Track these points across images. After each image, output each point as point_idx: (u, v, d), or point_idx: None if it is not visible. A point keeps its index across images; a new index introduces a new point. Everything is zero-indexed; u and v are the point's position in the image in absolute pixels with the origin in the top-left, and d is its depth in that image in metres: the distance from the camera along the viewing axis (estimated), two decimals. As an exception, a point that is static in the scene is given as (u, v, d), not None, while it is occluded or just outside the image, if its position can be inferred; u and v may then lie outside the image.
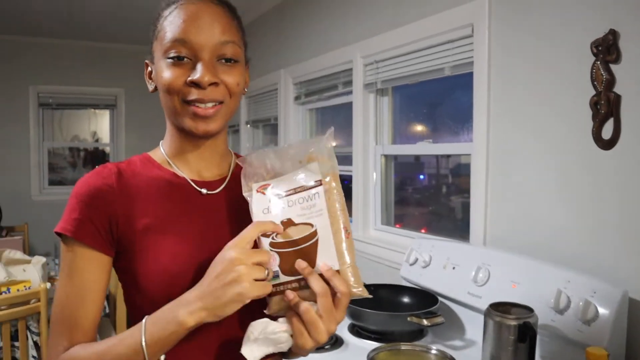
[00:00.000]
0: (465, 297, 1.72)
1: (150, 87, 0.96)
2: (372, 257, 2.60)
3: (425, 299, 1.84)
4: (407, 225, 2.69)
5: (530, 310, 1.39)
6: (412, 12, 2.29)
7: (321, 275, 0.77)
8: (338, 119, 3.27)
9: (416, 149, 2.52)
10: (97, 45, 5.31)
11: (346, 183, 3.49)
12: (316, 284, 0.76)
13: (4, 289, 2.37)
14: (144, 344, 0.77)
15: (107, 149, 5.66)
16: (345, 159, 2.94)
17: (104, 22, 4.54)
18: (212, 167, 0.98)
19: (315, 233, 0.79)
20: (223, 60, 0.89)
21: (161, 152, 0.98)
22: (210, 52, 0.87)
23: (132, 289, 0.89)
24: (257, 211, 0.82)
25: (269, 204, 0.82)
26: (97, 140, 5.68)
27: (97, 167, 0.94)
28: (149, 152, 1.00)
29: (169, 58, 0.87)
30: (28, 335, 2.44)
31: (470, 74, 2.00)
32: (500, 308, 1.42)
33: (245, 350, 0.79)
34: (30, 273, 2.49)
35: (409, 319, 1.65)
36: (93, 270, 0.87)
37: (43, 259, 2.58)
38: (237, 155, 1.05)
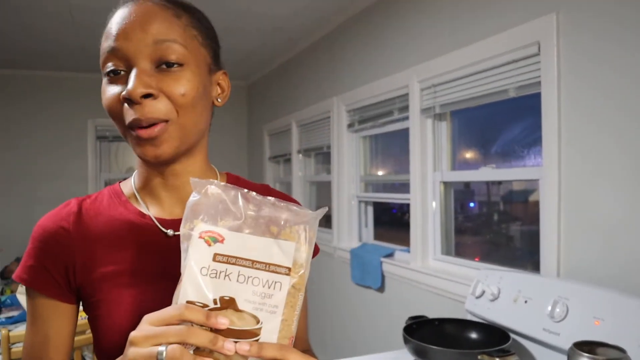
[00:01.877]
0: (540, 334, 1.58)
1: None
2: (432, 288, 2.48)
3: (495, 335, 1.71)
4: (463, 255, 2.56)
5: (622, 350, 1.24)
6: (472, 32, 2.21)
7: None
8: (393, 146, 3.19)
9: (478, 174, 2.41)
10: (152, 79, 5.45)
11: (394, 212, 3.40)
12: None
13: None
14: None
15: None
16: (402, 187, 2.85)
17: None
18: (183, 197, 0.82)
19: (257, 333, 0.60)
20: (164, 66, 0.72)
21: (131, 185, 0.86)
22: (145, 57, 0.71)
23: (94, 339, 0.82)
24: (193, 265, 0.61)
25: (212, 264, 0.61)
26: (151, 172, 5.78)
27: (60, 205, 0.84)
28: (123, 181, 0.89)
29: (105, 74, 0.73)
30: (83, 367, 2.42)
31: (533, 96, 1.89)
32: (585, 347, 1.28)
33: None
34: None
35: (479, 357, 1.52)
36: (54, 319, 0.80)
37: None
38: (231, 177, 0.93)
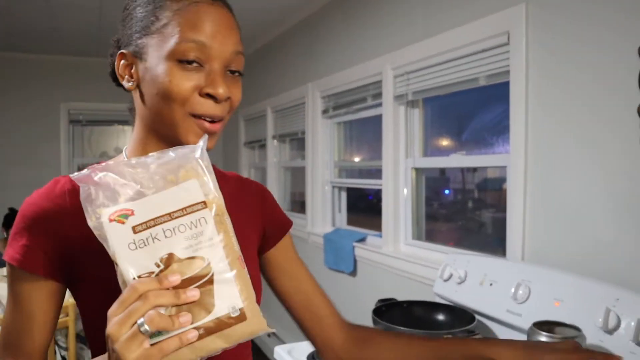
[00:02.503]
0: (504, 315, 1.64)
1: (128, 85, 0.83)
2: (403, 272, 2.53)
3: (462, 317, 1.76)
4: (435, 241, 2.62)
5: (577, 329, 1.31)
6: (445, 21, 2.24)
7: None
8: (367, 132, 3.23)
9: (448, 161, 2.46)
10: (126, 62, 5.38)
11: (370, 198, 3.44)
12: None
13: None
14: None
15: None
16: (378, 173, 2.89)
17: (133, 38, 4.59)
18: None
19: (210, 268, 0.63)
20: (229, 72, 0.80)
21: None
22: (223, 62, 0.78)
23: (89, 315, 0.83)
24: (120, 247, 0.62)
25: (135, 237, 0.62)
26: (125, 156, 5.74)
27: (49, 182, 0.84)
28: (110, 160, 0.91)
29: (179, 61, 0.75)
30: (56, 350, 2.43)
31: (505, 84, 1.94)
32: (544, 327, 1.34)
33: None
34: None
35: (445, 337, 1.57)
36: (42, 300, 0.80)
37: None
38: (216, 170, 0.95)
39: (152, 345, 0.58)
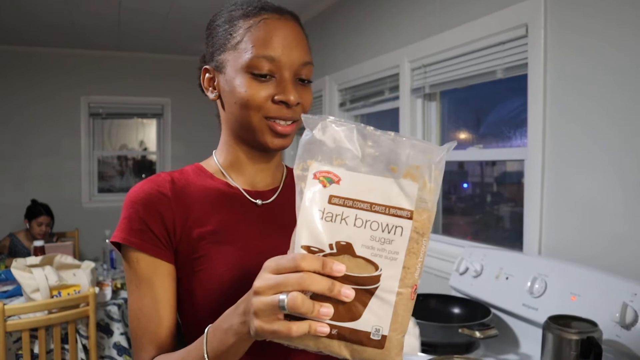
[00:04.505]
0: (520, 309, 1.64)
1: (212, 96, 0.93)
2: (419, 266, 2.53)
3: (477, 310, 1.76)
4: (453, 234, 2.61)
5: (593, 324, 1.30)
6: (462, 14, 2.23)
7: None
8: (384, 125, 3.22)
9: (466, 154, 2.45)
10: (145, 56, 5.43)
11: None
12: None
13: (55, 292, 2.41)
14: (206, 356, 0.71)
15: (154, 158, 5.76)
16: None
17: (151, 34, 4.63)
18: (266, 177, 0.97)
19: (377, 280, 0.57)
20: (299, 80, 0.87)
21: (215, 163, 0.97)
22: (293, 72, 0.86)
23: (187, 299, 0.87)
24: (307, 207, 0.58)
25: (328, 207, 0.58)
26: (144, 149, 5.79)
27: (150, 176, 0.91)
28: (201, 162, 0.99)
29: (253, 74, 0.84)
30: (77, 339, 2.47)
31: (522, 77, 1.92)
32: (560, 321, 1.34)
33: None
34: (80, 278, 2.52)
35: (460, 330, 1.58)
36: (161, 279, 0.85)
37: (92, 264, 2.62)
38: (289, 169, 1.04)
39: (284, 318, 0.58)
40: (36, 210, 4.01)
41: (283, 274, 0.59)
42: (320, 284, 0.57)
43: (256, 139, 0.87)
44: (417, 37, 2.54)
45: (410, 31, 2.60)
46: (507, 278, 1.74)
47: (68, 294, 2.44)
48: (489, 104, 2.43)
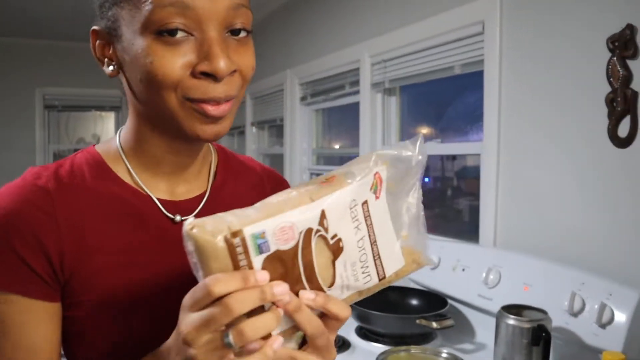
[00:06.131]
0: (475, 300, 1.68)
1: (108, 70, 0.66)
2: (379, 259, 2.56)
3: (435, 301, 1.80)
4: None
5: (544, 312, 1.35)
6: (421, 9, 2.26)
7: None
8: (345, 119, 3.24)
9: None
10: (103, 47, 5.31)
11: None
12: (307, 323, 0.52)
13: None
14: None
15: (113, 151, 5.65)
16: (351, 160, 2.90)
17: (110, 23, 4.53)
18: (189, 177, 0.72)
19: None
20: (229, 34, 0.61)
21: (117, 152, 0.70)
22: (220, 23, 0.59)
23: (79, 340, 0.66)
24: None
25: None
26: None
27: (26, 175, 0.66)
28: (98, 146, 0.73)
29: (159, 33, 0.57)
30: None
31: (480, 73, 1.96)
32: (512, 310, 1.38)
33: None
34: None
35: (418, 321, 1.61)
36: (42, 325, 0.62)
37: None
38: (221, 150, 0.81)
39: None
40: None
41: (204, 309, 0.48)
42: (250, 299, 0.47)
43: (180, 129, 0.62)
44: (377, 32, 2.56)
45: (371, 26, 2.62)
46: (463, 269, 1.78)
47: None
48: (448, 99, 2.47)
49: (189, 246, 0.49)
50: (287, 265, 0.51)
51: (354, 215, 0.57)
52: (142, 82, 0.60)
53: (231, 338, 0.47)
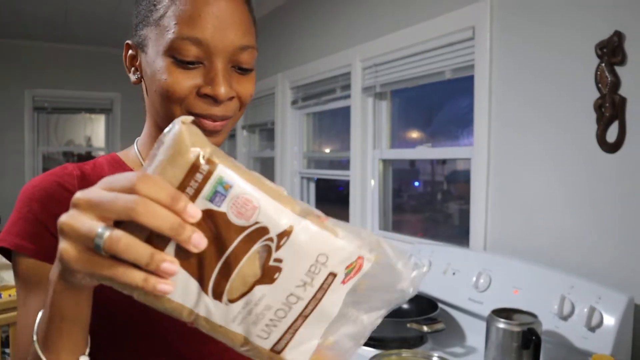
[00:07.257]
0: (466, 303, 1.69)
1: (133, 78, 0.78)
2: (370, 262, 2.57)
3: (425, 305, 1.80)
4: (404, 232, 2.66)
5: (534, 316, 1.36)
6: (413, 15, 2.27)
7: None
8: (336, 123, 3.25)
9: (415, 153, 2.50)
10: (93, 49, 5.28)
11: (341, 189, 3.47)
12: None
13: (-5, 293, 2.32)
14: (35, 338, 0.55)
15: (101, 154, 5.62)
16: (346, 164, 2.91)
17: (100, 26, 4.51)
18: None
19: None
20: (236, 68, 0.72)
21: (135, 153, 0.82)
22: (227, 58, 0.70)
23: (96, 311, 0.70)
24: None
25: None
26: (91, 145, 5.64)
27: (56, 167, 0.76)
28: (119, 152, 0.84)
29: (176, 59, 0.68)
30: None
31: (470, 78, 1.98)
32: (503, 314, 1.39)
33: None
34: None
35: (408, 325, 1.61)
36: None
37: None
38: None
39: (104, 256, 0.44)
40: None
41: (115, 192, 0.44)
42: (161, 218, 0.42)
43: None
44: (369, 36, 2.58)
45: (362, 31, 2.63)
46: (454, 273, 1.79)
47: (10, 295, 2.35)
48: (439, 104, 2.49)
49: (165, 135, 0.45)
50: (216, 239, 0.45)
51: (314, 270, 0.48)
52: (156, 92, 0.71)
53: (104, 238, 0.42)
